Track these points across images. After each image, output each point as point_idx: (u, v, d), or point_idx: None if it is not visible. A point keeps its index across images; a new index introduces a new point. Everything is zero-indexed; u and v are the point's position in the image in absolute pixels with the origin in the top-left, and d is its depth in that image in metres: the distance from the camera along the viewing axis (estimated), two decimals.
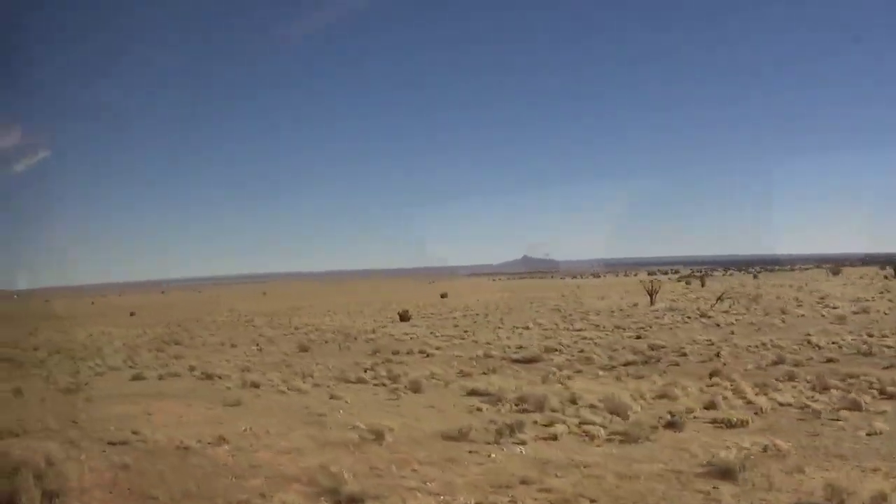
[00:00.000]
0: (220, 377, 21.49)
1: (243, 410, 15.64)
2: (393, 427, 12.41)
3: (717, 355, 22.95)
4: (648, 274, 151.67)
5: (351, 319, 49.50)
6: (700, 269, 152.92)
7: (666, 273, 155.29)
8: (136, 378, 21.72)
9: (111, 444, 11.91)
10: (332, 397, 17.18)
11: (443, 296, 76.74)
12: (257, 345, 32.97)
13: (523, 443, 11.69)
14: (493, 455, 10.82)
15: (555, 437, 12.06)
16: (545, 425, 13.08)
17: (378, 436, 11.99)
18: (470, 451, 11.05)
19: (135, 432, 12.65)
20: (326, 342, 32.94)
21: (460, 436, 12.11)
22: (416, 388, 18.16)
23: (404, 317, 44.05)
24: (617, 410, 14.03)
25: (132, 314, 67.58)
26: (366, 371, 22.09)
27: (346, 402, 16.58)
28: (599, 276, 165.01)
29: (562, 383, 18.50)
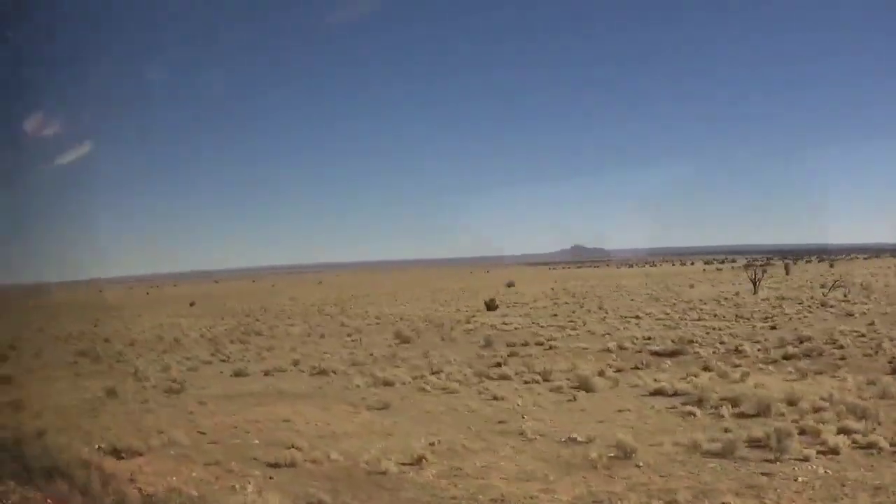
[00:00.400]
0: (334, 372, 18.68)
1: (397, 415, 12.87)
2: (625, 439, 9.30)
3: (880, 347, 19.53)
4: (705, 263, 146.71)
5: (432, 308, 46.51)
6: (755, 259, 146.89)
7: (722, 262, 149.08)
8: (239, 374, 19.03)
9: (272, 465, 9.01)
10: (494, 398, 14.16)
11: (509, 285, 73.32)
12: (350, 335, 30.11)
13: (804, 458, 9.11)
14: (799, 478, 8.21)
15: (835, 451, 9.42)
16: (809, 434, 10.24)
17: (625, 453, 8.88)
18: (763, 473, 8.42)
19: (292, 447, 9.70)
20: (421, 332, 29.83)
21: (725, 452, 9.39)
22: (586, 386, 15.04)
23: (491, 306, 40.97)
24: (864, 415, 11.11)
25: (192, 304, 66.11)
26: (499, 365, 18.99)
27: (518, 404, 13.56)
28: (655, 265, 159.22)
29: (742, 380, 15.57)
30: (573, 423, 11.80)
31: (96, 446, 10.17)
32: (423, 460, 9.01)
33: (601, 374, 17.00)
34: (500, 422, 12.22)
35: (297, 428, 11.74)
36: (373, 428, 11.75)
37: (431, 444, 10.20)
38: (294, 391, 16.04)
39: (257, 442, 10.58)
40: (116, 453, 9.66)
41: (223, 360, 23.12)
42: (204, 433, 11.29)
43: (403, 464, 9.00)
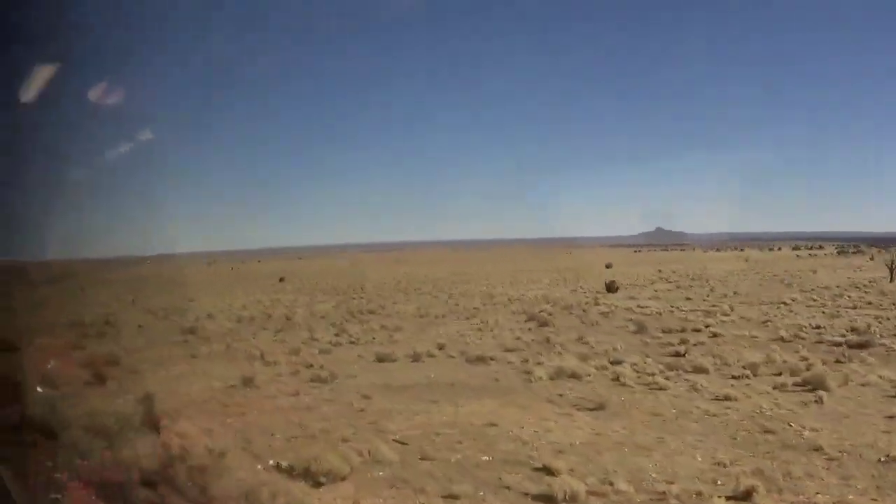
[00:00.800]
0: (492, 359, 16.31)
1: (622, 419, 10.48)
2: None
3: None
4: (793, 249, 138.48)
5: (539, 289, 43.74)
6: (843, 246, 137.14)
7: (809, 248, 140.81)
8: (382, 360, 16.84)
9: (545, 500, 6.48)
10: (723, 397, 11.53)
11: (607, 266, 69.61)
12: (470, 317, 27.82)
13: None
14: None
15: None
16: None
17: None
18: None
19: (544, 468, 7.27)
20: (551, 314, 27.15)
21: None
22: (819, 384, 12.19)
23: (612, 287, 37.92)
24: None
25: (281, 279, 65.60)
26: (679, 355, 16.70)
27: (762, 406, 10.79)
28: (742, 250, 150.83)
29: None
30: (856, 433, 9.32)
31: (272, 463, 7.95)
32: (753, 493, 6.34)
33: (808, 368, 14.12)
34: (766, 431, 9.69)
35: (517, 435, 9.35)
36: (612, 438, 9.29)
37: (719, 465, 7.62)
38: (463, 382, 13.80)
39: (486, 459, 8.20)
40: (307, 476, 7.36)
41: (352, 342, 21.16)
42: (403, 443, 8.98)
43: (730, 498, 6.38)
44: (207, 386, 13.82)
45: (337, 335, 22.84)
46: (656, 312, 27.62)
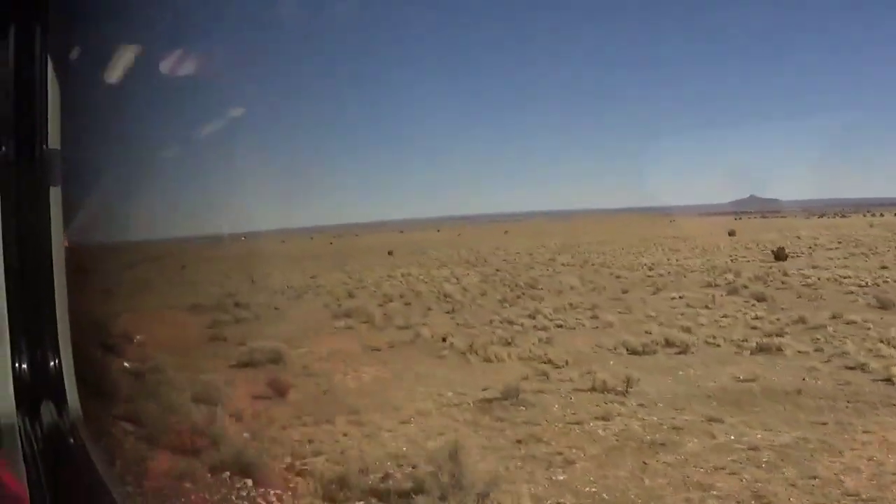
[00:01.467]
0: (779, 349, 13.75)
1: None
2: None
3: None
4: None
5: (704, 258, 40.19)
6: None
7: None
8: (638, 351, 14.51)
9: None
10: None
11: (730, 234, 65.11)
12: (654, 292, 24.99)
13: None
14: None
15: None
16: None
17: None
18: None
19: None
20: (746, 286, 24.18)
21: None
22: None
23: (780, 255, 34.51)
24: None
25: (390, 253, 64.30)
26: None
27: None
28: (846, 217, 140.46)
29: None
30: None
31: None
32: None
33: None
34: None
35: None
36: None
37: None
38: (812, 389, 11.24)
39: None
40: None
41: (559, 326, 19.00)
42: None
43: None
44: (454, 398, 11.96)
45: (531, 316, 20.69)
46: (870, 283, 24.30)
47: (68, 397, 2.05)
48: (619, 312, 20.50)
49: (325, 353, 15.68)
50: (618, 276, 31.94)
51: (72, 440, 1.91)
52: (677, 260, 39.64)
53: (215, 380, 10.74)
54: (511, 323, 19.64)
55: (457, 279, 34.31)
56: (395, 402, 11.61)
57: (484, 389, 12.16)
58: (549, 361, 14.37)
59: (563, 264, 41.84)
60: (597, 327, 18.53)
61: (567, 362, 14.24)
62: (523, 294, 26.64)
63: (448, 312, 22.92)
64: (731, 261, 37.84)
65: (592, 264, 39.86)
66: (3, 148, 1.95)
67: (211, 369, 12.69)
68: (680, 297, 23.30)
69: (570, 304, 22.92)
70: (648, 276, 31.15)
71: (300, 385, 12.60)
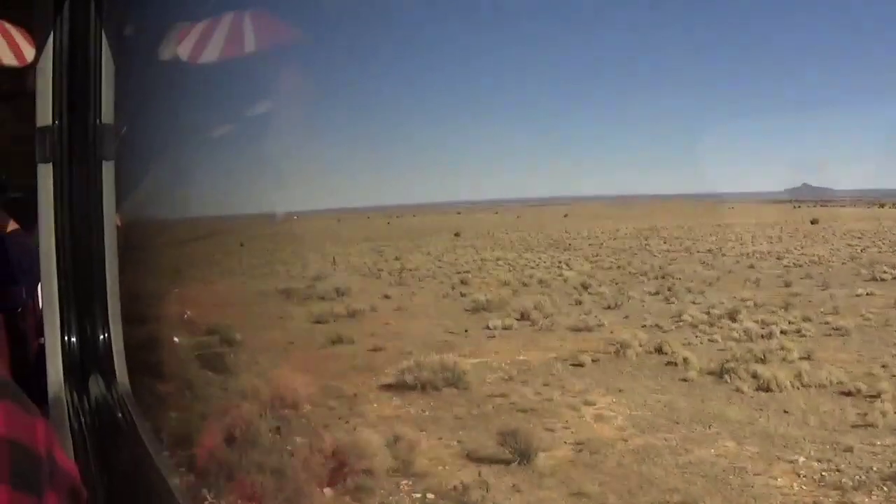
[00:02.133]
0: None
1: None
2: None
3: None
4: None
5: (821, 247, 38.15)
6: None
7: None
8: None
9: None
10: None
11: (813, 222, 62.95)
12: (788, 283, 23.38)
13: None
14: None
15: None
16: None
17: None
18: None
19: None
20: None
21: None
22: None
23: None
24: None
25: (456, 234, 64.61)
26: None
27: None
28: None
29: None
30: None
31: None
32: None
33: None
34: None
35: None
36: None
37: None
38: None
39: None
40: None
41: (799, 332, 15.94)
42: None
43: None
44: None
45: (731, 318, 16.81)
46: None
47: (117, 372, 2.10)
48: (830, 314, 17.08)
49: (506, 366, 12.54)
50: (750, 266, 29.50)
51: (120, 414, 1.95)
52: (796, 249, 37.17)
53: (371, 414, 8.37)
54: (711, 324, 16.35)
55: (566, 265, 31.58)
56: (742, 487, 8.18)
57: (846, 450, 8.81)
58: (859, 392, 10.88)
59: (667, 250, 39.43)
60: (838, 334, 15.36)
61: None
62: (675, 285, 23.13)
63: (609, 308, 19.54)
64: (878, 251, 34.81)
65: (708, 251, 37.33)
66: (57, 122, 1.99)
67: (351, 392, 9.87)
68: (867, 294, 20.45)
69: (786, 304, 18.85)
70: (786, 269, 28.39)
71: (535, 437, 8.87)
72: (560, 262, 32.60)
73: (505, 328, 16.54)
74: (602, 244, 46.34)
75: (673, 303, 19.82)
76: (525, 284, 24.43)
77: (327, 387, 10.04)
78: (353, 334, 14.66)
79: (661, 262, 31.61)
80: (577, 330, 15.92)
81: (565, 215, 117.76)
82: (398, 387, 10.79)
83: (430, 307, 19.83)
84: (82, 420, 1.85)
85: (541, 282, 25.30)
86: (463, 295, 21.54)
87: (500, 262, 32.99)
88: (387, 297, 21.98)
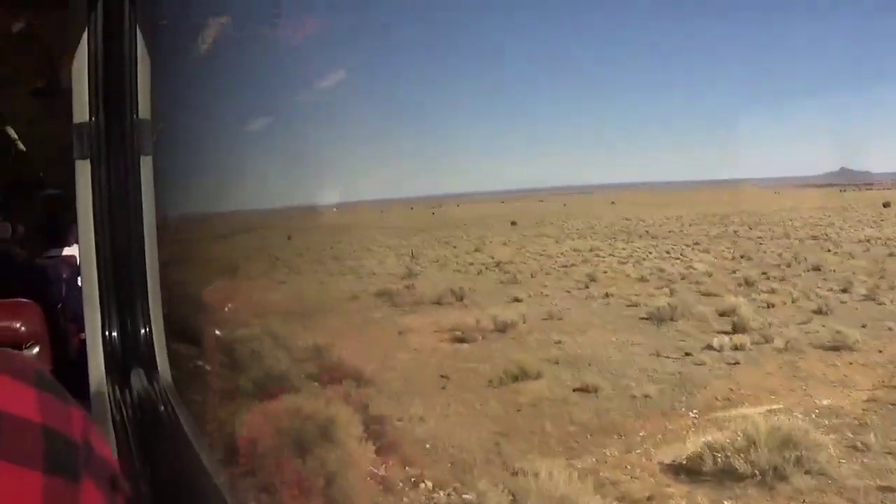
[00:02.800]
0: None
1: None
2: None
3: None
4: None
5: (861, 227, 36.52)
6: None
7: None
8: None
9: None
10: None
11: (885, 205, 60.58)
12: None
13: None
14: None
15: None
16: None
17: None
18: None
19: None
20: None
21: None
22: None
23: None
24: None
25: (513, 223, 63.84)
26: None
27: None
28: None
29: None
30: None
31: None
32: None
33: None
34: None
35: None
36: None
37: None
38: None
39: None
40: None
41: None
42: None
43: None
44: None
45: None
46: None
47: (159, 366, 2.15)
48: None
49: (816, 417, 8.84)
50: (890, 254, 27.58)
51: (162, 408, 1.98)
52: (872, 234, 35.34)
53: None
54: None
55: (681, 255, 28.82)
56: None
57: None
58: None
59: (772, 237, 37.56)
60: None
61: None
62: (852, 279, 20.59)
63: (663, 299, 16.44)
64: None
65: (813, 237, 35.13)
66: (93, 118, 2.04)
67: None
68: None
69: None
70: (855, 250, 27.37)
71: None
72: (667, 252, 29.58)
73: (735, 348, 12.68)
74: (680, 230, 43.88)
75: (884, 303, 16.55)
76: (671, 281, 20.61)
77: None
78: (530, 361, 11.19)
79: (784, 252, 28.44)
80: (818, 347, 12.04)
81: (612, 202, 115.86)
82: (693, 471, 6.90)
83: (581, 315, 15.93)
84: (125, 414, 1.92)
85: (683, 277, 21.63)
86: (608, 296, 18.01)
87: (601, 254, 29.86)
88: (517, 300, 18.33)
